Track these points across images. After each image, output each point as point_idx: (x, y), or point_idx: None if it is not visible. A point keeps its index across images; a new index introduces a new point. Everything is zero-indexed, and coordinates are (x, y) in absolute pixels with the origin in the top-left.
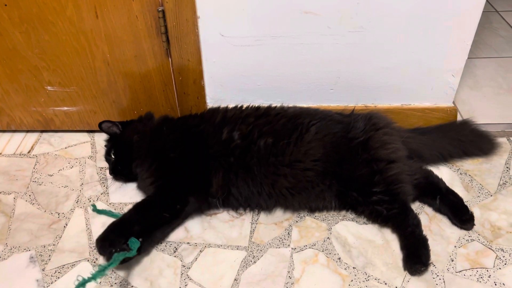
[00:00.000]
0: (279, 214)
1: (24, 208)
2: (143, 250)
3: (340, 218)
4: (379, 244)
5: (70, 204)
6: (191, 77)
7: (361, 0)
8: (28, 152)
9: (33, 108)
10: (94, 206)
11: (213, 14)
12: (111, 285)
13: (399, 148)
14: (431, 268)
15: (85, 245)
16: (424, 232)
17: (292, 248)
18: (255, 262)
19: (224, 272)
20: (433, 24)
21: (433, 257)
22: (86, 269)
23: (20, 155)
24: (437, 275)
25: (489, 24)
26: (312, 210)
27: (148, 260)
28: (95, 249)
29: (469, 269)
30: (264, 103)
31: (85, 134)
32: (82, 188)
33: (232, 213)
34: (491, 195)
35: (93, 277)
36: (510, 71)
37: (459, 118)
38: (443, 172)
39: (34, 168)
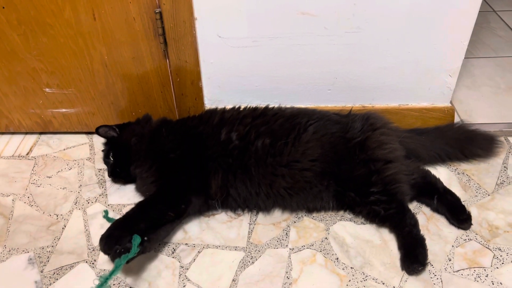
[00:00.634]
0: (277, 215)
1: (23, 210)
2: (149, 249)
3: (338, 218)
4: (377, 244)
5: (69, 205)
6: (189, 79)
7: (357, 1)
8: (27, 154)
9: (32, 110)
10: (106, 212)
11: (210, 15)
12: (109, 286)
13: (396, 148)
14: (428, 267)
15: (83, 246)
16: (422, 232)
17: (290, 249)
18: (253, 262)
19: (222, 273)
20: (429, 24)
21: (430, 257)
22: (84, 271)
23: (18, 157)
24: (435, 275)
25: (487, 24)
26: (310, 210)
27: (147, 261)
28: (93, 250)
29: (466, 268)
30: (262, 104)
31: (84, 135)
32: (80, 190)
33: (230, 214)
34: (489, 195)
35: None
36: (508, 70)
37: (456, 118)
38: (441, 172)
39: (32, 170)
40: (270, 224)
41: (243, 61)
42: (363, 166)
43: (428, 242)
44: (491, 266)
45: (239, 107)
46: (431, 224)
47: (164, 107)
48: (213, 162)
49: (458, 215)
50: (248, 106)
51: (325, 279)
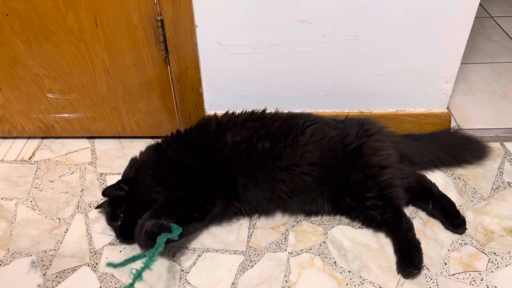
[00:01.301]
0: (276, 219)
1: (26, 214)
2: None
3: (336, 222)
4: (374, 248)
5: (71, 209)
6: (190, 85)
7: (355, 9)
8: (29, 158)
9: (34, 115)
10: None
11: (211, 23)
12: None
13: (391, 154)
14: (424, 271)
15: (85, 250)
16: (418, 236)
17: (288, 252)
18: (252, 266)
19: (222, 277)
20: (425, 32)
21: (426, 261)
22: (86, 274)
23: (21, 161)
24: (431, 279)
25: (483, 30)
26: (307, 213)
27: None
28: (95, 254)
29: (462, 272)
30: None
31: (85, 140)
32: (82, 194)
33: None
34: (484, 200)
35: (146, 266)
36: (504, 76)
37: (453, 123)
38: (437, 177)
39: (35, 174)
40: (269, 228)
41: (242, 68)
42: (359, 172)
43: (424, 246)
44: (486, 270)
45: (233, 112)
46: (427, 228)
47: (165, 113)
48: (232, 163)
49: (453, 220)
50: (244, 111)
51: (323, 282)
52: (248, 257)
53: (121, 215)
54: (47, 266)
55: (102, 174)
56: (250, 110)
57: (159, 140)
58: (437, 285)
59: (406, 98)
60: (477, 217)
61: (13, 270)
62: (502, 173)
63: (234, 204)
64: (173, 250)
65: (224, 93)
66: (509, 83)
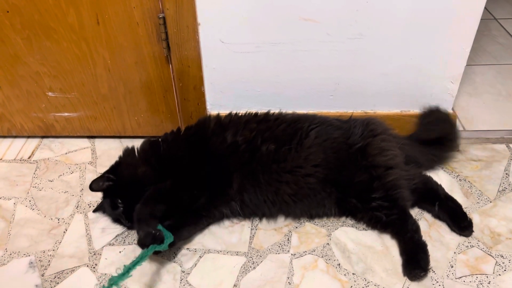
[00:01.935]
0: (278, 220)
1: (24, 213)
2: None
3: (340, 224)
4: (378, 250)
5: (70, 209)
6: (191, 83)
7: (360, 7)
8: (29, 158)
9: (34, 114)
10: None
11: (214, 20)
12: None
13: (397, 154)
14: (430, 274)
15: (84, 250)
16: (424, 238)
17: (291, 254)
18: (254, 268)
19: (223, 278)
20: (431, 31)
21: (432, 263)
22: (85, 275)
23: (20, 160)
24: (437, 281)
25: (488, 32)
26: (312, 217)
27: (147, 265)
28: (94, 254)
29: (468, 275)
30: (263, 109)
31: (86, 140)
32: (82, 194)
33: (232, 218)
34: (491, 201)
35: (122, 275)
36: (509, 78)
37: (458, 124)
38: (442, 178)
39: (34, 173)
40: (272, 229)
41: (245, 67)
42: (365, 172)
43: (430, 249)
44: (493, 273)
45: (236, 113)
46: (433, 230)
47: (167, 112)
48: (227, 162)
49: (459, 222)
50: (247, 112)
51: (327, 285)
52: (250, 259)
53: (119, 201)
54: (46, 266)
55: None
56: (254, 112)
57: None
58: None
59: (411, 99)
60: (484, 219)
61: (11, 270)
62: (508, 175)
63: (224, 202)
64: (174, 251)
65: (227, 92)
66: None
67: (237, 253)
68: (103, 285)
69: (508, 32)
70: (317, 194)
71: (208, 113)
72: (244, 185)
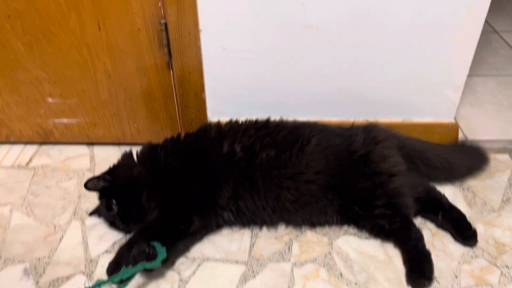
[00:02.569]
0: (279, 228)
1: (20, 220)
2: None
3: (342, 232)
4: (381, 259)
5: (67, 216)
6: (193, 90)
7: (361, 14)
8: (27, 164)
9: (33, 120)
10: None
11: (215, 27)
12: None
13: (399, 161)
14: (434, 284)
15: (81, 258)
16: (427, 248)
17: (292, 263)
18: (254, 276)
19: (222, 287)
20: (433, 38)
21: (436, 274)
22: (81, 283)
23: (18, 167)
24: None
25: (488, 43)
26: (313, 225)
27: (144, 274)
28: (91, 261)
29: (473, 285)
30: (264, 117)
31: (84, 146)
32: (79, 201)
33: (233, 226)
34: (495, 211)
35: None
36: (510, 88)
37: (460, 135)
38: (445, 188)
39: (31, 180)
40: (272, 238)
41: (247, 74)
42: (367, 179)
43: (434, 259)
44: (499, 283)
45: (237, 120)
46: (436, 240)
47: (167, 119)
48: (219, 174)
49: (464, 232)
50: (248, 119)
51: None
52: (250, 267)
53: (114, 202)
54: (40, 273)
55: None
56: (254, 119)
57: None
58: None
59: (413, 108)
60: (488, 229)
61: (5, 277)
62: None
63: (215, 215)
64: (171, 259)
65: (228, 99)
66: None
67: (236, 262)
68: None
69: (508, 44)
70: (319, 201)
71: (208, 120)
72: (238, 192)
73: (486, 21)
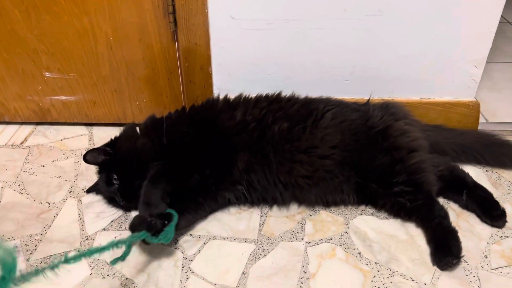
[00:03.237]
0: (291, 208)
1: (12, 197)
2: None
3: (359, 212)
4: (402, 239)
5: (62, 194)
6: (199, 63)
7: None
8: (21, 143)
9: (29, 97)
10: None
11: None
12: (103, 277)
13: (420, 137)
14: (462, 264)
15: (76, 235)
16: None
17: (306, 242)
18: (265, 255)
19: (230, 265)
20: (455, 8)
21: (464, 253)
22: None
23: (12, 146)
24: (470, 272)
25: (502, 34)
26: (328, 204)
27: (146, 251)
28: (87, 239)
29: (505, 266)
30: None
31: (83, 127)
32: (76, 179)
33: (240, 205)
34: None
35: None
36: None
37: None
38: (467, 169)
39: (26, 158)
40: (283, 216)
41: (256, 46)
42: (386, 154)
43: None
44: None
45: (246, 95)
46: (461, 220)
47: (170, 96)
48: (234, 140)
49: (491, 211)
50: (258, 94)
51: (347, 274)
52: (260, 246)
53: (115, 177)
54: (31, 251)
55: None
56: (264, 94)
57: None
58: (479, 279)
59: (431, 85)
60: None
61: None
62: None
63: (229, 184)
64: (175, 237)
65: (235, 74)
66: None
67: (245, 240)
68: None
69: None
70: (334, 178)
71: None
72: (252, 164)
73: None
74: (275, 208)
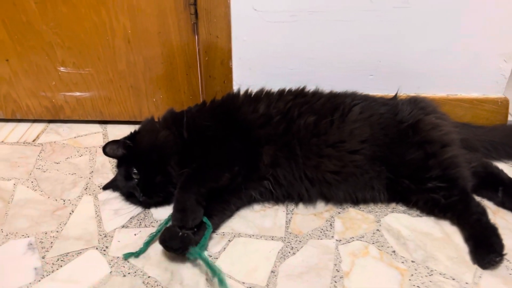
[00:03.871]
0: (318, 205)
1: (25, 194)
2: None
3: (390, 210)
4: (438, 237)
5: (78, 191)
6: (219, 57)
7: None
8: (33, 141)
9: (42, 93)
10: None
11: None
12: (124, 276)
13: (452, 131)
14: (505, 263)
15: (93, 232)
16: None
17: (336, 240)
18: (294, 253)
19: (258, 263)
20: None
21: (506, 251)
22: (94, 258)
23: (24, 143)
24: None
25: None
26: (357, 201)
27: None
28: (105, 236)
29: None
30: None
31: (97, 125)
32: (92, 176)
33: (264, 202)
34: None
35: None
36: None
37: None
38: (499, 167)
39: (38, 155)
40: (311, 214)
41: (278, 39)
42: (418, 148)
43: None
44: None
45: (268, 90)
46: (498, 218)
47: (188, 92)
48: (258, 133)
49: None
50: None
51: (383, 272)
52: (289, 244)
53: (135, 171)
54: (47, 248)
55: None
56: (287, 89)
57: None
58: None
59: (459, 81)
60: None
61: (7, 251)
62: None
63: (255, 180)
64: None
65: (256, 69)
66: None
67: (272, 238)
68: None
69: None
70: (364, 173)
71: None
72: (277, 158)
73: None
74: (300, 205)
